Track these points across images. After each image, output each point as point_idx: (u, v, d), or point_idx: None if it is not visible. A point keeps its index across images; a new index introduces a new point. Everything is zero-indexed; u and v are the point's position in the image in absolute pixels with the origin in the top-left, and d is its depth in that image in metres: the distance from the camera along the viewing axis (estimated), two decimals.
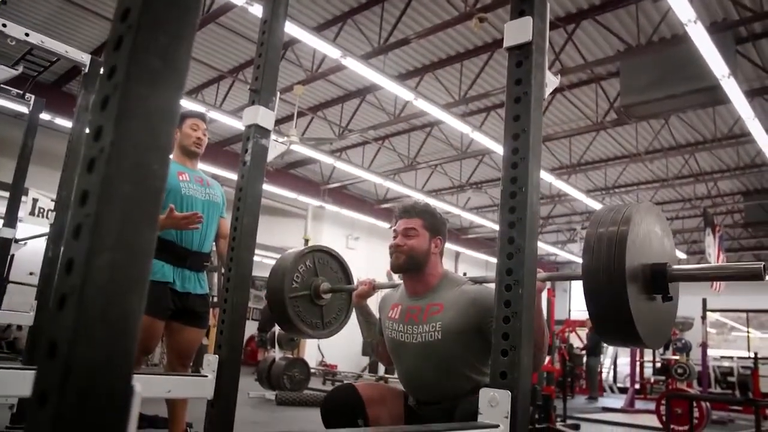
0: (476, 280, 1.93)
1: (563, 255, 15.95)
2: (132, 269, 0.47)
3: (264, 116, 1.76)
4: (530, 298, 1.13)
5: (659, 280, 1.37)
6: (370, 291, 2.13)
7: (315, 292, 2.28)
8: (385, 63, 7.32)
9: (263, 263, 11.31)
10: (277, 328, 7.19)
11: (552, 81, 1.32)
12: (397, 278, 2.08)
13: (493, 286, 1.20)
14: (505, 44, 1.23)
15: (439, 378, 1.84)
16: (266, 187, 1.91)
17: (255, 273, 1.92)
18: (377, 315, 2.16)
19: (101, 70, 2.91)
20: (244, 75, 8.10)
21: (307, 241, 9.55)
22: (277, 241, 10.93)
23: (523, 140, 1.15)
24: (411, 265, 1.91)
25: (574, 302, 19.14)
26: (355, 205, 12.71)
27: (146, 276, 0.49)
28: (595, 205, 11.17)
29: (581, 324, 12.13)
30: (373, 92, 8.37)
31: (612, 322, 1.29)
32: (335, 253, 2.43)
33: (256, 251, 1.83)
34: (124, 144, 0.48)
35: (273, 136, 1.86)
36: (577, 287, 19.24)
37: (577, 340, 12.48)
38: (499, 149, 8.54)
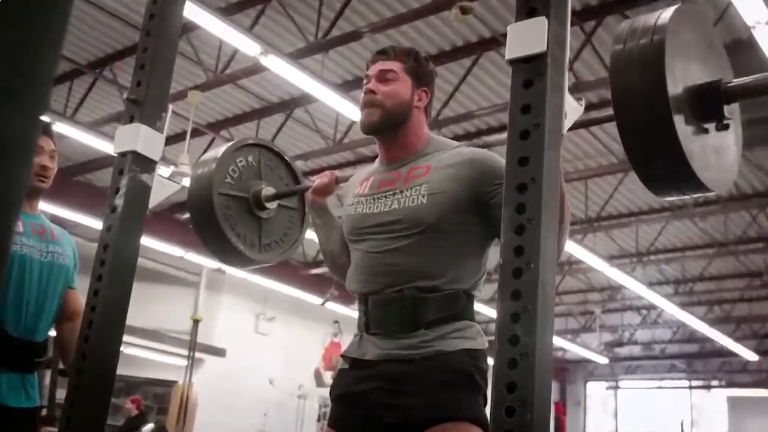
0: (474, 145, 2.06)
1: (575, 350, 16.12)
2: None
3: (148, 140, 1.75)
4: (544, 423, 1.12)
5: (711, 102, 1.46)
6: (331, 186, 2.23)
7: (255, 198, 2.43)
8: (324, 65, 7.43)
9: (126, 354, 10.97)
10: None
11: (574, 108, 1.36)
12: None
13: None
14: (508, 55, 1.27)
15: (410, 261, 1.85)
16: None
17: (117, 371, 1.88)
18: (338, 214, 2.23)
19: None
20: (113, 71, 8.05)
21: (196, 321, 9.32)
22: (150, 322, 10.65)
23: (532, 194, 1.17)
24: (387, 122, 1.97)
25: (591, 417, 19.21)
26: (271, 269, 12.56)
27: None
28: (621, 277, 11.33)
29: None
30: (304, 105, 8.45)
31: (660, 163, 1.43)
32: (290, 159, 2.61)
33: None
34: None
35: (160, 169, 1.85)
36: (594, 400, 19.43)
37: None
38: None
